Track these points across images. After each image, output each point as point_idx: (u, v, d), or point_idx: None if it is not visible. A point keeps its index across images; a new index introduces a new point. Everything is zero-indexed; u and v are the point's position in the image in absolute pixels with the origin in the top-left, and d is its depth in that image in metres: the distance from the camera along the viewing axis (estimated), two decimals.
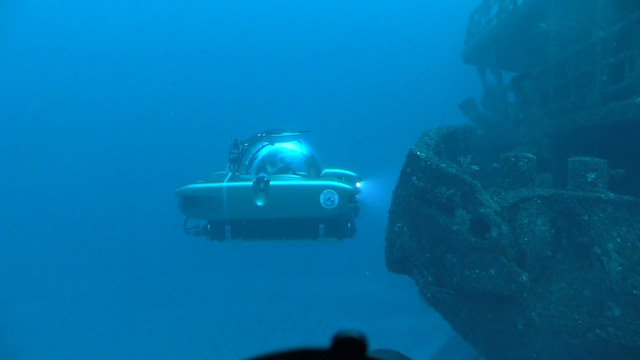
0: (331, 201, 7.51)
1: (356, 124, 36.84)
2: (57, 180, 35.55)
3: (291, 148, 8.94)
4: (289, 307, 20.39)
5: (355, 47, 41.57)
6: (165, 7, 43.24)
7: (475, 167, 6.17)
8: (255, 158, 8.83)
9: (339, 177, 8.36)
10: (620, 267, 5.14)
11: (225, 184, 7.77)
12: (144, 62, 41.86)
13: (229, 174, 8.18)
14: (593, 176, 5.58)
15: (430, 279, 5.99)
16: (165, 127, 39.44)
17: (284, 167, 8.94)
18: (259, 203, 7.70)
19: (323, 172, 8.85)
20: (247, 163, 8.70)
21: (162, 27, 42.99)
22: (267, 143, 8.88)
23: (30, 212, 33.46)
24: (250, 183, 7.78)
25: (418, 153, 6.07)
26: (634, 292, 5.04)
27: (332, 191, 7.54)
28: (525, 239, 5.48)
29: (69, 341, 16.87)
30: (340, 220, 7.88)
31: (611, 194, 5.50)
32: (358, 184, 8.30)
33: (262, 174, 7.89)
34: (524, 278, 5.31)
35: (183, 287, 23.20)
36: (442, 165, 5.80)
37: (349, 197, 7.67)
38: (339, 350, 0.83)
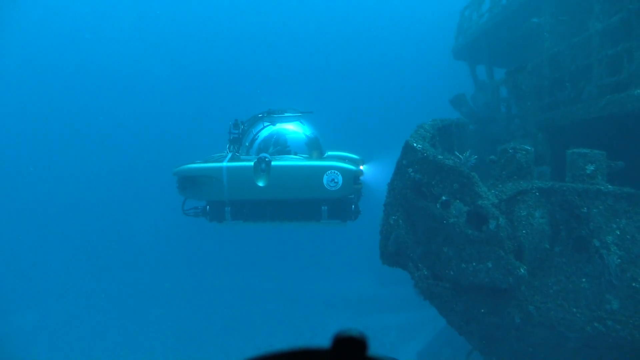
0: (335, 182, 7.30)
1: (358, 107, 36.99)
2: (54, 181, 35.03)
3: (293, 129, 8.70)
4: (275, 304, 20.21)
5: (355, 34, 42.00)
6: None
7: (475, 156, 6.08)
8: (256, 139, 8.59)
9: (342, 159, 8.14)
10: (619, 260, 5.08)
11: (225, 164, 7.53)
12: (139, 50, 41.39)
13: (229, 155, 7.94)
14: (592, 168, 5.51)
15: (425, 272, 5.87)
16: (162, 116, 39.00)
17: (285, 148, 8.71)
18: (261, 184, 7.46)
19: (326, 154, 8.64)
20: (247, 144, 8.46)
21: (155, 10, 42.55)
22: (268, 124, 8.64)
23: (26, 214, 32.75)
24: (252, 163, 7.54)
25: (415, 145, 5.93)
26: (633, 284, 4.99)
27: (336, 172, 7.31)
28: (524, 231, 5.38)
29: (66, 345, 16.44)
30: (343, 202, 7.68)
31: (610, 186, 5.44)
32: (361, 167, 8.09)
33: (263, 154, 7.67)
34: (522, 271, 5.22)
35: (169, 285, 22.88)
36: (439, 157, 5.68)
37: (353, 178, 7.45)
38: (340, 350, 0.83)
